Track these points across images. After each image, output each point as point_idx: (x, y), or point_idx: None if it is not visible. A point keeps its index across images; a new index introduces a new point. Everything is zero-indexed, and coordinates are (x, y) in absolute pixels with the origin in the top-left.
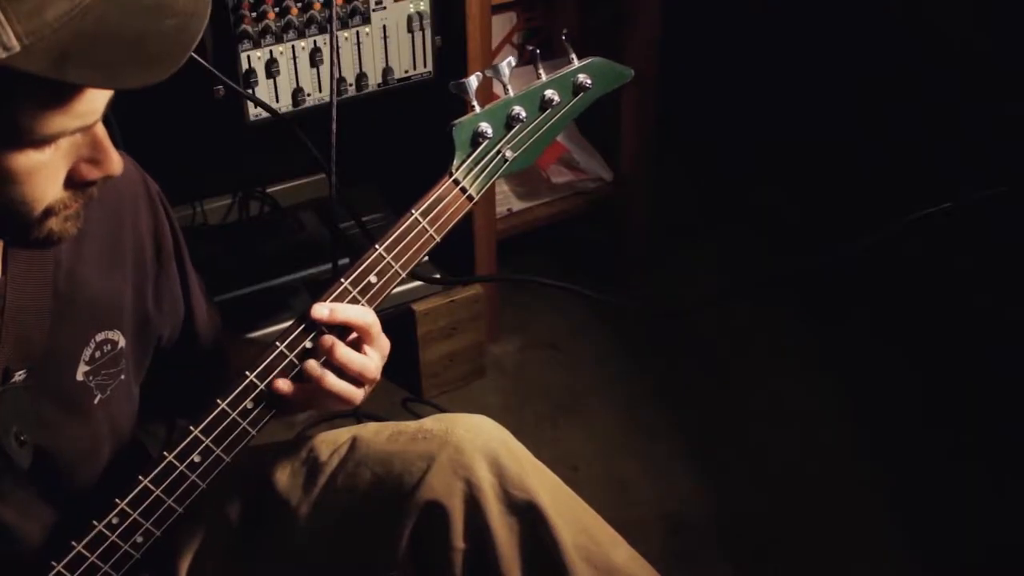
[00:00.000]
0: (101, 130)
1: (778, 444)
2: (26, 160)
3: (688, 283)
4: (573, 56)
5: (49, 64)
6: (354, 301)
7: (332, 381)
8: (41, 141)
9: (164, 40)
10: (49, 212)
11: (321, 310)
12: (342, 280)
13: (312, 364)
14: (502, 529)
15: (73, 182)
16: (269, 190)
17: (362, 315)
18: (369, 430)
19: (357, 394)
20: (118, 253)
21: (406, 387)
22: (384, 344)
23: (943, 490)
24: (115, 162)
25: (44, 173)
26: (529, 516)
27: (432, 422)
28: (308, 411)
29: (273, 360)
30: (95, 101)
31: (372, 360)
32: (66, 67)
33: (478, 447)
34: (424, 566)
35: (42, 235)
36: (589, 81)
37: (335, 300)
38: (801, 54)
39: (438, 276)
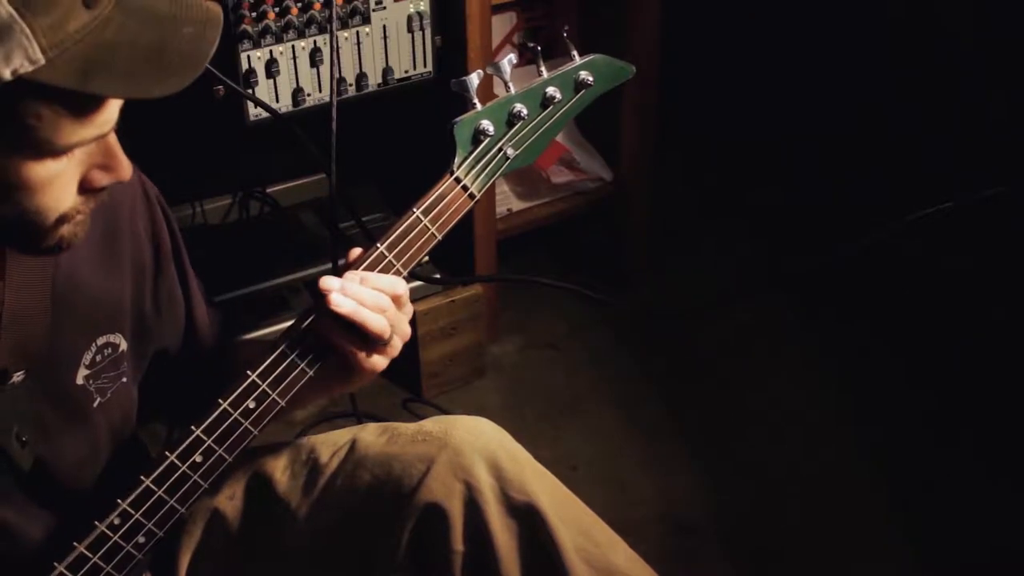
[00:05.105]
0: (113, 137)
1: (778, 444)
2: (44, 170)
3: (688, 283)
4: (575, 53)
5: (74, 76)
6: None
7: (367, 314)
8: (60, 151)
9: (183, 48)
10: (62, 220)
11: (354, 277)
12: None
13: (340, 297)
14: (502, 531)
15: (85, 188)
16: (269, 190)
17: (392, 284)
18: (368, 432)
19: (386, 328)
20: (116, 256)
21: (406, 387)
22: (410, 309)
23: (943, 490)
24: (126, 167)
25: (60, 182)
26: (529, 518)
27: (431, 424)
28: (314, 400)
29: (276, 357)
30: (113, 111)
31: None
32: (90, 78)
33: (477, 449)
34: (424, 568)
35: (53, 243)
36: (591, 78)
37: None
38: (801, 54)
39: (438, 276)
